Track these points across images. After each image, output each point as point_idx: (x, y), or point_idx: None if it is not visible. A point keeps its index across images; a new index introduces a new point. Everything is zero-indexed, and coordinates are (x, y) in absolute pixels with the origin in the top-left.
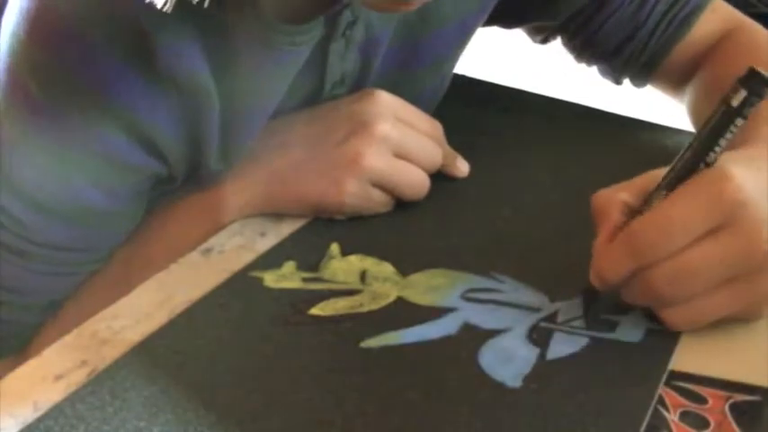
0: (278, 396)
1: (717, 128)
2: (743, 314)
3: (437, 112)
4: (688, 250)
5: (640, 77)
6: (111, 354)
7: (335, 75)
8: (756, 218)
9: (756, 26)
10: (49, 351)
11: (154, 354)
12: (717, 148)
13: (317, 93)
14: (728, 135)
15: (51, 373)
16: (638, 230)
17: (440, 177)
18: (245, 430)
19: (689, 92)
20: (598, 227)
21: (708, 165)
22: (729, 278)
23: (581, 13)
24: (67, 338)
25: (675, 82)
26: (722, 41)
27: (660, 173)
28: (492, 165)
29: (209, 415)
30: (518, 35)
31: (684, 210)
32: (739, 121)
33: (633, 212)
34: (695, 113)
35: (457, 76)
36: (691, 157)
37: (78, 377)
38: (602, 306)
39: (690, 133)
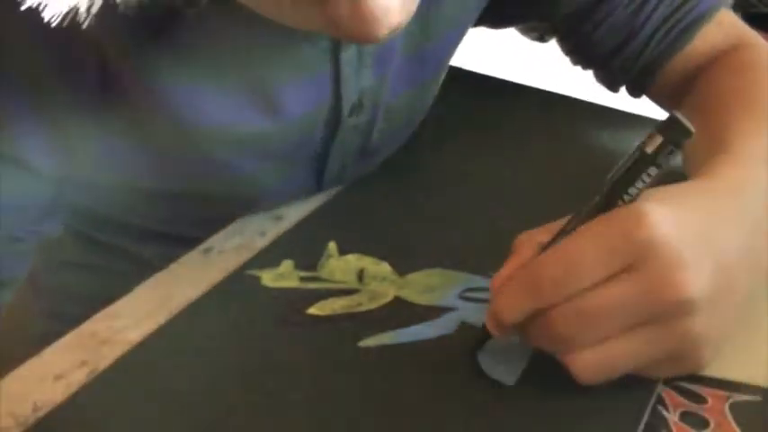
0: (276, 395)
1: (628, 175)
2: (667, 362)
3: (438, 110)
4: (591, 291)
5: (635, 87)
6: (111, 354)
7: (352, 94)
8: (667, 261)
9: (761, 44)
10: (48, 351)
11: (154, 354)
12: (626, 197)
13: (336, 117)
14: (639, 184)
15: (51, 373)
16: (537, 266)
17: (438, 177)
18: (244, 430)
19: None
20: (505, 265)
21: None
22: (639, 323)
23: (574, 14)
24: (67, 338)
25: (670, 96)
26: (721, 57)
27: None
28: (491, 164)
29: (209, 414)
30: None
31: (590, 247)
32: (653, 170)
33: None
34: None
35: (457, 69)
36: (598, 203)
37: (78, 377)
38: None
39: None
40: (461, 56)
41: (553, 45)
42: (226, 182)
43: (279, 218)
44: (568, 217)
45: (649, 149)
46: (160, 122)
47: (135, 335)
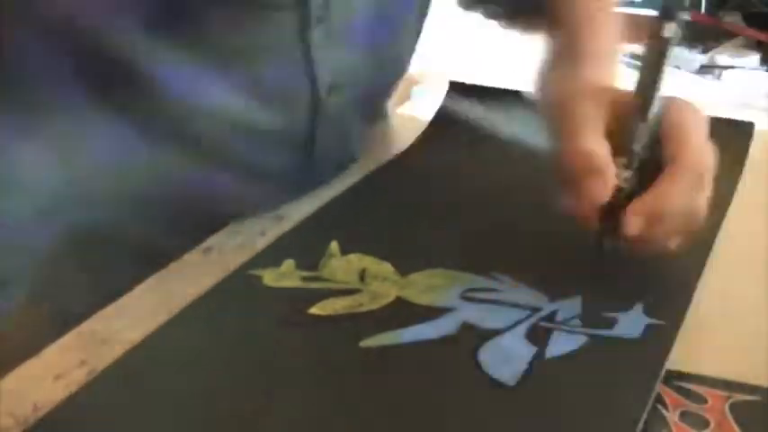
0: (277, 395)
1: (657, 59)
2: None
3: (439, 112)
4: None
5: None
6: (111, 353)
7: (326, 74)
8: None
9: None
10: (48, 351)
11: (154, 353)
12: (663, 76)
13: (315, 99)
14: (668, 62)
15: (51, 372)
16: (702, 162)
17: (438, 177)
18: (244, 430)
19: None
20: (595, 179)
21: (661, 91)
22: None
23: None
24: (67, 338)
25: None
26: None
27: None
28: (492, 164)
29: (209, 414)
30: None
31: (703, 139)
32: (671, 50)
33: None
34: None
35: (459, 83)
36: (644, 87)
37: (78, 377)
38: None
39: None
40: (462, 65)
41: None
42: (220, 175)
43: (279, 218)
44: (594, 120)
45: (668, 33)
46: (157, 108)
47: (135, 335)
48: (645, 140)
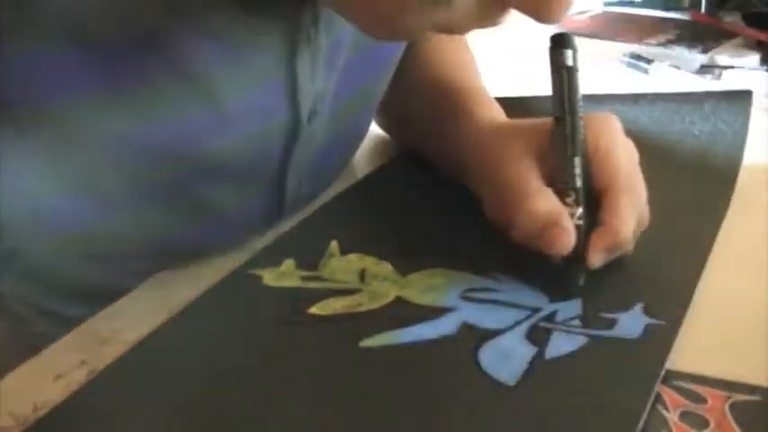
0: (277, 395)
1: (570, 86)
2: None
3: None
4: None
5: None
6: (111, 353)
7: (308, 100)
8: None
9: None
10: (48, 351)
11: (154, 354)
12: (580, 102)
13: (295, 127)
14: (579, 86)
15: (51, 372)
16: (630, 182)
17: (440, 177)
18: (244, 430)
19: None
20: (556, 231)
21: (580, 117)
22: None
23: None
24: (67, 338)
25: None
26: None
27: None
28: None
29: (209, 414)
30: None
31: (623, 150)
32: (578, 74)
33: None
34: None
35: None
36: (570, 122)
37: (78, 377)
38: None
39: None
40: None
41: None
42: (182, 209)
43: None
44: (525, 163)
45: (570, 62)
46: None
47: (135, 335)
48: (581, 171)
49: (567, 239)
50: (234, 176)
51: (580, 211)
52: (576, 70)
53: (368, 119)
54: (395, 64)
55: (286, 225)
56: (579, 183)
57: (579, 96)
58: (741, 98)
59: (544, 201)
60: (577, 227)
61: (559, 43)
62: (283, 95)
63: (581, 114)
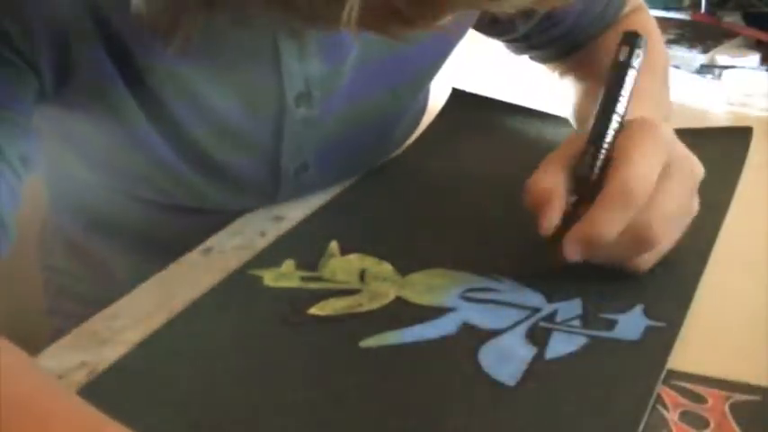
0: (277, 395)
1: (616, 81)
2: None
3: (440, 117)
4: (662, 190)
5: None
6: (111, 354)
7: (297, 81)
8: (683, 148)
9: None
10: (48, 351)
11: (154, 354)
12: (622, 98)
13: (282, 107)
14: (627, 86)
15: (51, 373)
16: (629, 182)
17: (438, 177)
18: (244, 430)
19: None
20: (545, 208)
21: (619, 115)
22: (684, 205)
23: (526, 33)
24: (67, 338)
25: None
26: (621, 20)
27: (572, 141)
28: (492, 165)
29: (209, 415)
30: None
31: (644, 156)
32: (631, 72)
33: (571, 181)
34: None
35: (461, 91)
36: (602, 113)
37: (78, 377)
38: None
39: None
40: (464, 77)
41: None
42: (191, 174)
43: (279, 218)
44: (563, 147)
45: (622, 57)
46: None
47: (135, 335)
48: (595, 163)
49: (548, 220)
50: (237, 141)
51: (572, 199)
52: (631, 67)
53: (393, 125)
54: (426, 81)
55: (286, 225)
56: (583, 172)
57: (623, 93)
58: (741, 134)
59: (547, 178)
60: (567, 213)
61: (625, 40)
62: (271, 73)
63: (621, 112)
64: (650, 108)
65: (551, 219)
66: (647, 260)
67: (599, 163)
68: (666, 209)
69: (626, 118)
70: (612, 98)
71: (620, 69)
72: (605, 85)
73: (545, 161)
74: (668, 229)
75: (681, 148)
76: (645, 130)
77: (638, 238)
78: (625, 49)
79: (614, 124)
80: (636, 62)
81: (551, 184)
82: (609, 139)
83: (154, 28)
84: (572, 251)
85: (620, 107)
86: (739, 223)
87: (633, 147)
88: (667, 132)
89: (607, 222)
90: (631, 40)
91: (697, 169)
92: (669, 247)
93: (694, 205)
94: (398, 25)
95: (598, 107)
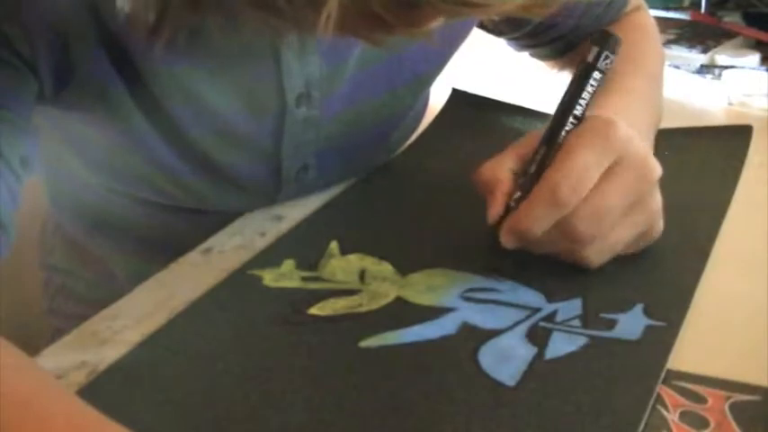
0: (277, 395)
1: (578, 82)
2: (640, 238)
3: (440, 117)
4: (597, 189)
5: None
6: (111, 354)
7: (297, 82)
8: (641, 149)
9: (646, 7)
10: (48, 351)
11: (154, 354)
12: (581, 101)
13: (282, 107)
14: (589, 87)
15: (51, 373)
16: (558, 181)
17: (438, 177)
18: (244, 430)
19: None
20: (490, 197)
21: (575, 116)
22: (630, 207)
23: (529, 32)
24: (67, 338)
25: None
26: (622, 19)
27: (533, 135)
28: None
29: (209, 414)
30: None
31: (588, 154)
32: (596, 74)
33: (520, 175)
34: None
35: (461, 92)
36: (560, 112)
37: (78, 377)
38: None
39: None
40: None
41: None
42: (192, 174)
43: (279, 218)
44: (523, 140)
45: (590, 58)
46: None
47: (135, 335)
48: (541, 158)
49: (492, 210)
50: (236, 141)
51: (517, 195)
52: (596, 69)
53: (392, 126)
54: (428, 83)
55: (286, 225)
56: (533, 169)
57: (583, 95)
58: (741, 133)
59: (493, 169)
60: (508, 207)
61: (596, 40)
62: (271, 73)
63: (578, 113)
64: (636, 106)
65: (493, 210)
66: (595, 258)
67: (546, 161)
68: (599, 207)
69: (588, 114)
70: (571, 99)
71: (584, 70)
72: (568, 84)
73: (501, 152)
74: (602, 228)
75: (637, 148)
76: (596, 129)
77: (565, 234)
78: (595, 50)
79: (569, 126)
80: (603, 64)
81: (496, 175)
82: (560, 140)
83: (137, 26)
84: (507, 241)
85: (578, 109)
86: (739, 223)
87: (576, 145)
88: (624, 131)
89: (533, 218)
90: (601, 41)
91: (650, 170)
92: (621, 245)
93: (651, 203)
94: (379, 31)
95: (557, 107)
